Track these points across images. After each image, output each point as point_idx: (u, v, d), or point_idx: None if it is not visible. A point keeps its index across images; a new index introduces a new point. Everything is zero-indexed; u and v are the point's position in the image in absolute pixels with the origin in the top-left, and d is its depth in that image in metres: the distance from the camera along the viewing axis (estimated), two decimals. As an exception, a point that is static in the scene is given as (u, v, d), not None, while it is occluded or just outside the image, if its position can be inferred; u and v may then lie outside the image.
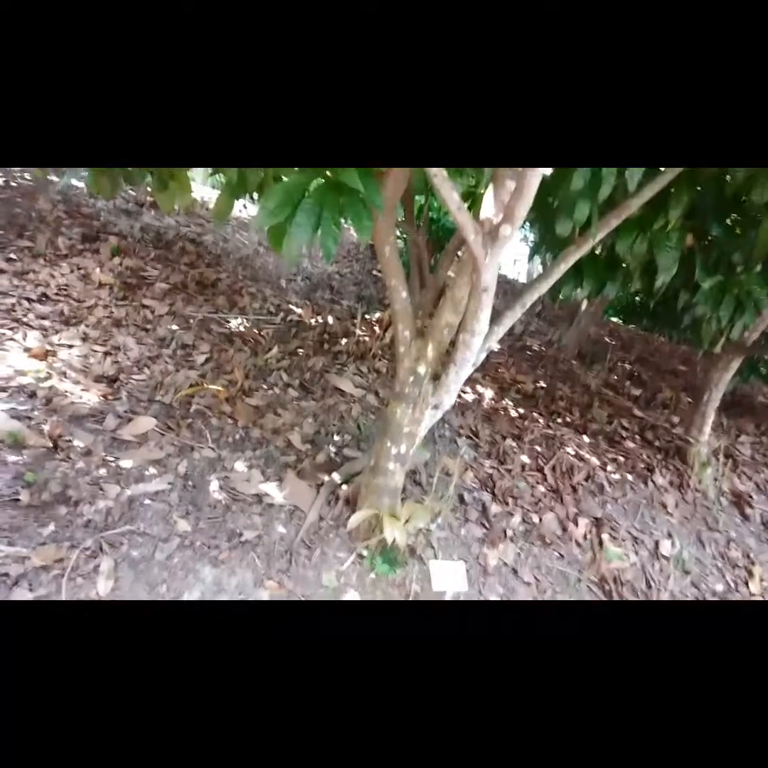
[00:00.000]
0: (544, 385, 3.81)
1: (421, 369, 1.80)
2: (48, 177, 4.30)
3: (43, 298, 3.00)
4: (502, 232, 1.42)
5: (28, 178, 4.32)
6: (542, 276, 1.99)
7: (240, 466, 2.13)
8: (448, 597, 1.69)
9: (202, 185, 6.62)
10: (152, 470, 1.96)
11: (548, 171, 1.29)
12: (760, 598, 2.40)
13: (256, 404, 2.57)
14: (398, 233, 5.85)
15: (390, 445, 1.85)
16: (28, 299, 2.94)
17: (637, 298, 6.10)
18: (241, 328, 3.36)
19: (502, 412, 3.17)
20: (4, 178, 4.20)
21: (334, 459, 2.30)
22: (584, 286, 2.76)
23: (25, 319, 2.74)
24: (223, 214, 2.06)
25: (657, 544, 2.45)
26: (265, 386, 2.76)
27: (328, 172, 1.59)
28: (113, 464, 1.91)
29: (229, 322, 3.38)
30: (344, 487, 2.08)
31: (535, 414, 3.26)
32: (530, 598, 1.99)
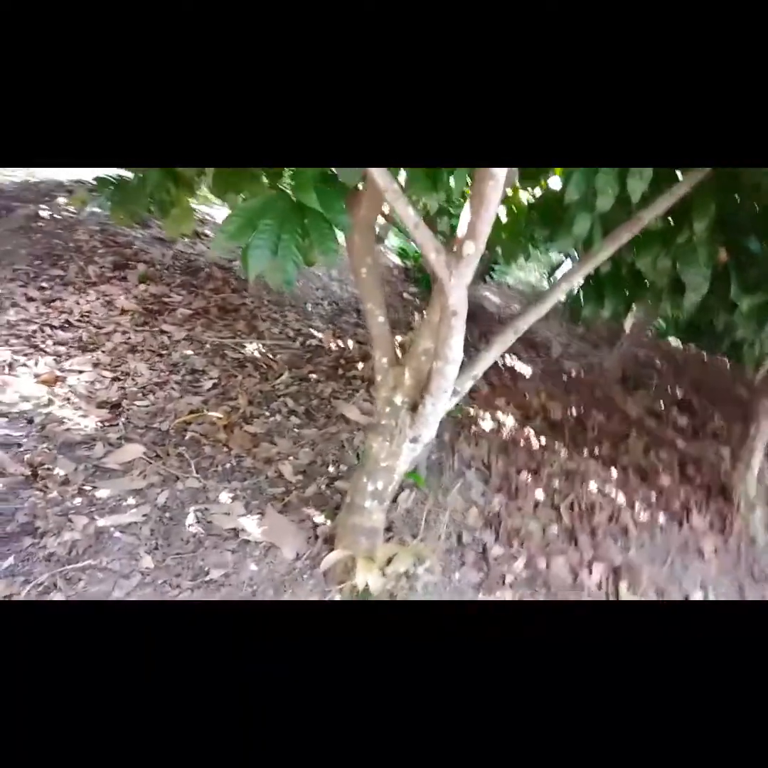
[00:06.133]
0: (575, 413, 3.55)
1: (398, 399, 1.66)
2: (90, 209, 4.49)
3: (66, 325, 3.08)
4: (465, 249, 1.29)
5: (73, 210, 4.54)
6: (541, 298, 1.82)
7: (224, 497, 2.05)
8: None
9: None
10: (130, 501, 1.91)
11: (503, 181, 1.15)
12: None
13: (254, 432, 2.50)
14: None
15: (366, 480, 1.72)
16: (51, 326, 3.02)
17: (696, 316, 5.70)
18: (256, 354, 3.33)
19: (522, 443, 2.96)
20: (49, 212, 4.43)
21: (324, 493, 2.18)
22: (606, 306, 2.55)
23: (42, 346, 2.81)
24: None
25: (687, 596, 2.17)
26: (267, 413, 2.70)
27: (290, 193, 1.52)
28: (89, 494, 1.87)
29: (244, 347, 3.36)
30: (329, 523, 1.96)
31: (559, 445, 3.03)
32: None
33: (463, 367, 1.75)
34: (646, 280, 2.44)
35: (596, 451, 3.10)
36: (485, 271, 4.16)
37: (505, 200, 2.57)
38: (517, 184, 2.57)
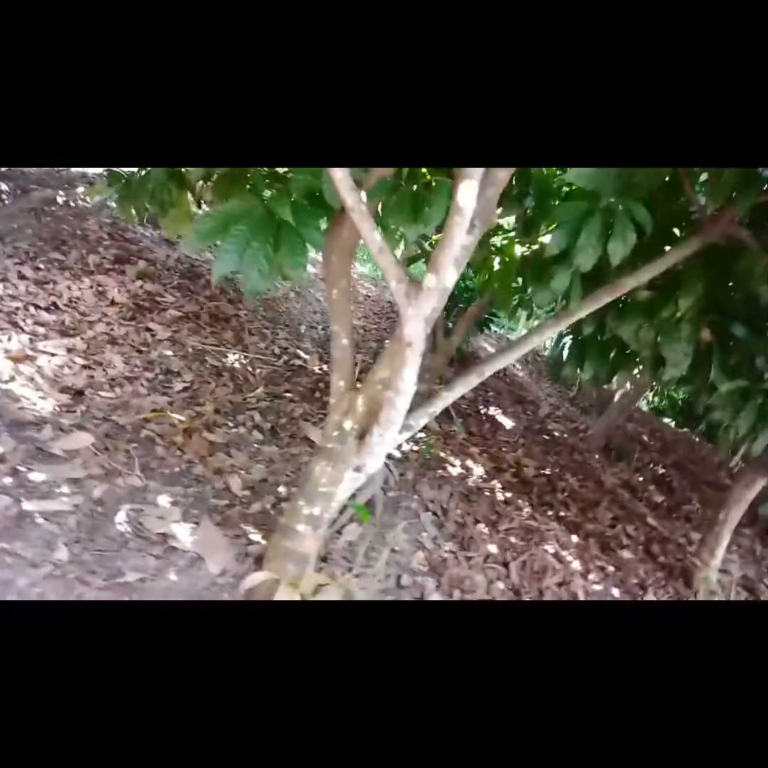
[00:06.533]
0: (549, 474, 3.49)
1: (348, 424, 1.62)
2: (99, 200, 4.55)
3: (51, 308, 3.08)
4: (425, 282, 1.26)
5: (88, 201, 4.60)
6: (509, 346, 1.80)
7: (163, 501, 1.99)
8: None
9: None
10: (63, 489, 1.85)
11: (469, 217, 1.14)
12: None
13: (212, 440, 2.45)
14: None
15: (302, 504, 1.66)
16: (36, 306, 3.02)
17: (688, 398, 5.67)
18: (236, 365, 3.31)
19: (487, 494, 2.89)
20: (65, 199, 4.49)
21: (268, 512, 2.12)
22: (586, 368, 2.53)
23: (21, 324, 2.79)
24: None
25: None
26: (231, 424, 2.65)
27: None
28: (23, 476, 1.81)
29: (225, 356, 3.34)
30: (263, 543, 1.89)
31: (524, 502, 2.96)
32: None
33: (421, 403, 1.72)
34: (627, 350, 2.43)
35: (561, 514, 3.03)
36: (483, 321, 4.15)
37: (498, 251, 2.59)
38: (516, 240, 2.60)
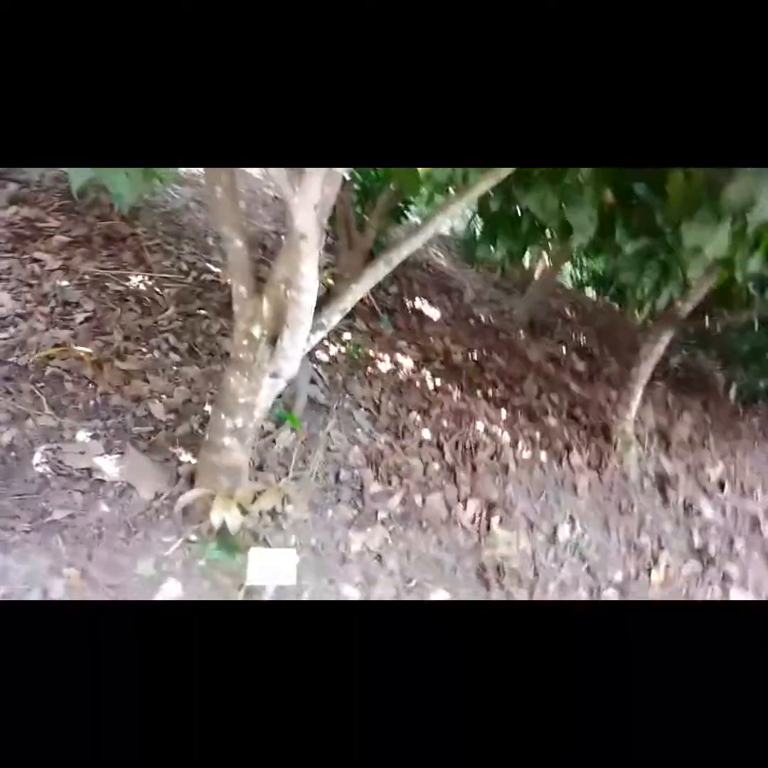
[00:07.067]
0: (476, 357, 3.59)
1: (256, 331, 1.57)
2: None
3: None
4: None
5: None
6: (413, 231, 1.75)
7: (82, 436, 1.91)
8: (268, 592, 1.49)
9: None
10: (-32, 439, 1.74)
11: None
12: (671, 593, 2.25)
13: (126, 369, 2.34)
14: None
15: (224, 418, 1.63)
16: None
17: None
18: (141, 287, 3.10)
19: (418, 384, 2.95)
20: None
21: (198, 432, 2.08)
22: (498, 246, 2.52)
23: None
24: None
25: (555, 529, 2.27)
26: (144, 349, 2.52)
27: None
28: None
29: (128, 280, 3.11)
30: (194, 463, 1.87)
31: (453, 387, 3.05)
32: (392, 588, 1.81)
33: (331, 300, 1.67)
34: (536, 222, 2.42)
35: (490, 393, 3.15)
36: (398, 210, 4.01)
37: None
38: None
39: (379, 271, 1.70)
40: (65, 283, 2.87)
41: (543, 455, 2.68)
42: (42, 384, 2.10)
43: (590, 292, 6.93)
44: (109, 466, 1.79)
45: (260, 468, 1.97)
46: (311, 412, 2.38)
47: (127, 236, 3.59)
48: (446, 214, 1.78)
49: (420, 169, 2.23)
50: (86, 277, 3.00)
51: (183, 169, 5.13)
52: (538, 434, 2.83)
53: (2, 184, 3.49)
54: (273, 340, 1.57)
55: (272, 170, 1.19)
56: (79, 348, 2.34)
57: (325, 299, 1.65)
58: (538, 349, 4.17)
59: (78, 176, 1.26)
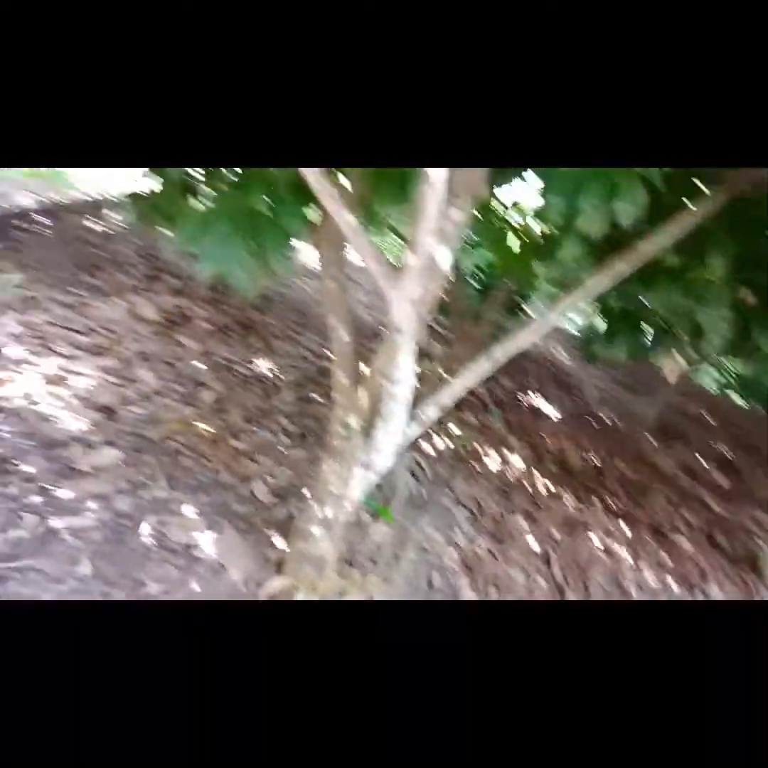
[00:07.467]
0: (596, 461, 3.31)
1: (353, 420, 1.56)
2: (125, 222, 4.71)
3: (85, 330, 3.18)
4: (404, 259, 1.19)
5: (123, 225, 4.77)
6: (523, 328, 1.69)
7: (188, 511, 2.00)
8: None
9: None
10: (90, 504, 1.88)
11: (440, 188, 1.06)
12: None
13: (238, 447, 2.45)
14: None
15: (315, 505, 1.62)
16: (71, 329, 3.13)
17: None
18: (265, 371, 3.32)
19: (527, 486, 2.77)
20: (102, 227, 4.67)
21: (294, 516, 2.09)
22: (617, 345, 2.37)
23: (56, 347, 2.90)
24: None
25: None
26: (259, 430, 2.65)
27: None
28: (50, 493, 1.86)
29: (254, 363, 3.36)
30: (284, 548, 1.86)
31: (566, 492, 2.81)
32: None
33: (432, 393, 1.64)
34: (662, 320, 2.26)
35: (610, 503, 2.86)
36: (515, 305, 4.00)
37: (515, 229, 2.47)
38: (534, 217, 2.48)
39: (483, 367, 1.65)
40: (199, 364, 3.16)
41: (672, 582, 2.32)
42: (164, 457, 2.27)
43: (735, 396, 6.26)
44: (206, 543, 1.84)
45: (350, 562, 1.90)
46: (409, 507, 2.30)
47: (259, 323, 3.93)
48: (559, 313, 1.71)
49: (534, 265, 2.21)
50: (220, 360, 3.29)
51: (303, 263, 5.61)
52: (666, 556, 2.48)
53: (163, 277, 4.03)
54: (368, 430, 1.55)
55: (372, 267, 1.22)
56: (200, 424, 2.52)
57: (427, 392, 1.63)
58: (669, 457, 3.77)
59: (204, 269, 1.39)
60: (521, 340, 1.69)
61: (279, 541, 1.93)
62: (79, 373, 2.73)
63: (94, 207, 5.16)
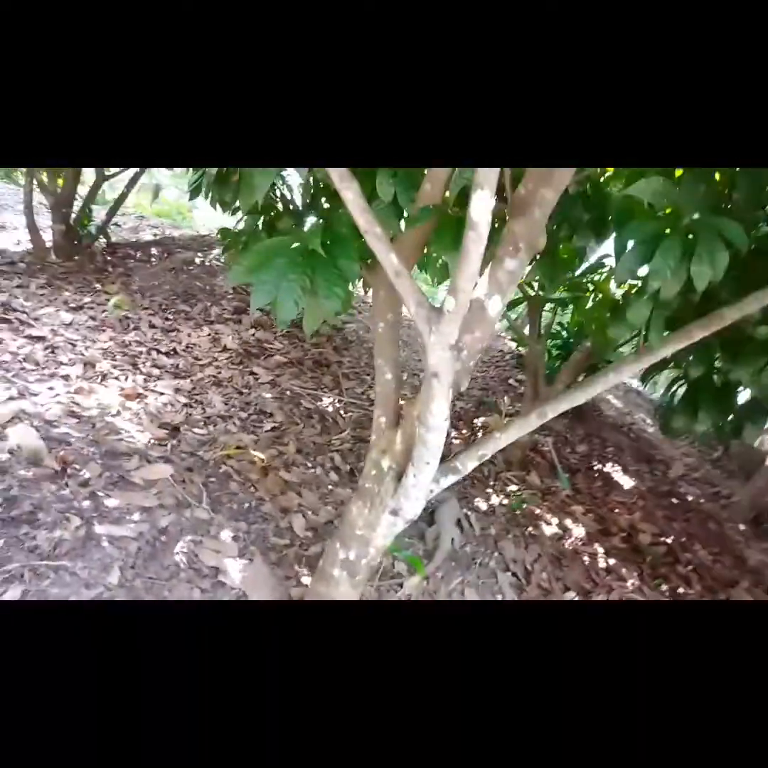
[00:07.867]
0: (671, 542, 3.01)
1: (386, 463, 1.52)
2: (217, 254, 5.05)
3: (170, 353, 3.39)
4: (445, 306, 1.16)
5: (221, 260, 5.13)
6: (577, 387, 1.59)
7: (225, 535, 2.01)
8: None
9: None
10: (134, 516, 1.95)
11: (485, 233, 1.03)
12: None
13: (287, 479, 2.47)
14: (515, 340, 5.38)
15: (339, 546, 1.56)
16: (157, 351, 3.35)
17: None
18: (328, 408, 3.35)
19: (585, 559, 2.55)
20: (201, 259, 5.05)
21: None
22: (699, 419, 2.16)
23: (140, 366, 3.11)
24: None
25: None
26: (311, 464, 2.66)
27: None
28: (100, 500, 1.95)
29: (320, 400, 3.41)
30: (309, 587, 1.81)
31: (631, 571, 2.55)
32: None
33: (471, 445, 1.57)
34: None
35: (681, 590, 2.56)
36: (592, 367, 3.81)
37: (592, 290, 2.37)
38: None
39: (530, 423, 1.56)
40: (267, 395, 3.26)
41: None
42: (213, 479, 2.32)
43: None
44: (234, 570, 1.83)
45: (375, 612, 1.82)
46: (449, 563, 2.18)
47: (333, 362, 4.01)
48: (619, 376, 1.59)
49: (610, 332, 2.08)
50: (288, 392, 3.37)
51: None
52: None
53: (248, 310, 4.25)
54: (399, 475, 1.50)
55: (413, 310, 1.20)
56: (256, 452, 2.57)
57: (474, 445, 1.56)
58: (761, 550, 3.35)
59: (257, 300, 1.43)
60: (573, 399, 1.59)
61: (306, 578, 1.89)
62: (154, 391, 2.90)
63: (202, 243, 5.61)
